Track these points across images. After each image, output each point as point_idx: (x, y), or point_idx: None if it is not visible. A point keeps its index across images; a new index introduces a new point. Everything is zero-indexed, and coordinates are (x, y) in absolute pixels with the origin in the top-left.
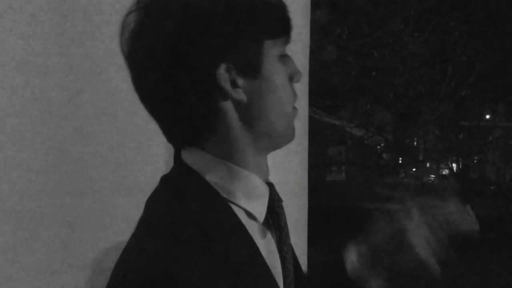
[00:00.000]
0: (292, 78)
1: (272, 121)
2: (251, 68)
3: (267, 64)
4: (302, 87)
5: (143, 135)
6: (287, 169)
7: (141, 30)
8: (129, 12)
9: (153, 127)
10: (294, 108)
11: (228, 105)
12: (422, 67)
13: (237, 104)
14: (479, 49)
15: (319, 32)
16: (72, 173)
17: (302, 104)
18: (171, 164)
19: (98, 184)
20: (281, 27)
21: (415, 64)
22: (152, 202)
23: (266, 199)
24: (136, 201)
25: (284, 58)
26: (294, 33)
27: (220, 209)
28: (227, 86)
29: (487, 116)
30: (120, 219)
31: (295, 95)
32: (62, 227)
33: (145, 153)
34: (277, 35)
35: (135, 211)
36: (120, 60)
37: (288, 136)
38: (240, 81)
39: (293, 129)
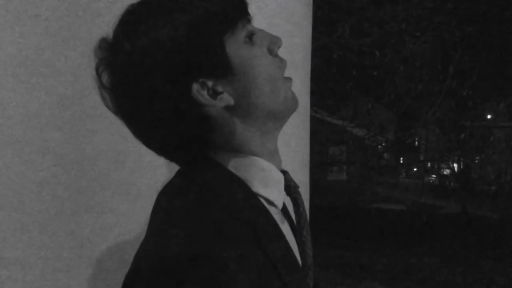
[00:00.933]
0: (271, 49)
1: (266, 101)
2: (222, 70)
3: (235, 57)
4: (303, 87)
5: None
6: (288, 168)
7: (116, 90)
8: (98, 67)
9: None
10: (286, 79)
11: (219, 112)
12: (423, 67)
13: (227, 107)
14: (481, 49)
15: (321, 31)
16: (72, 172)
17: (304, 103)
18: (172, 165)
19: (98, 184)
20: (233, 15)
21: (416, 64)
22: (173, 194)
23: (282, 186)
24: (136, 201)
25: (253, 36)
26: (295, 32)
27: (246, 194)
28: (207, 100)
29: (489, 116)
30: (119, 218)
31: (281, 62)
32: (61, 227)
33: (145, 154)
34: (232, 25)
35: (135, 211)
36: None
37: (289, 107)
38: (220, 86)
39: (292, 99)
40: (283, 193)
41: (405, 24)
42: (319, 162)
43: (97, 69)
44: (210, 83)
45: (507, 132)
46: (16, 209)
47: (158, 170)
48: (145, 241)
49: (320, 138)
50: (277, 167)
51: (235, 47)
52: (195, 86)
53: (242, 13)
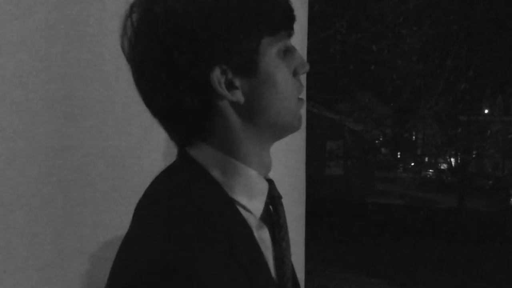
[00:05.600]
0: (296, 71)
1: (273, 116)
2: (248, 69)
3: (265, 62)
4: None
5: (142, 135)
6: (284, 164)
7: (138, 34)
8: (129, 14)
9: (153, 127)
10: (300, 99)
11: (226, 105)
12: (420, 61)
13: (235, 104)
14: (478, 43)
15: (318, 26)
16: (71, 172)
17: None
18: (171, 162)
19: (97, 183)
20: (280, 22)
21: (413, 58)
22: (154, 192)
23: (265, 197)
24: (133, 198)
25: (287, 52)
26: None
27: (223, 202)
28: (221, 89)
29: (486, 111)
30: (119, 217)
31: (300, 87)
32: (61, 226)
33: (144, 153)
34: (276, 31)
35: (132, 208)
36: (120, 60)
37: (293, 127)
38: (237, 82)
39: (299, 119)
40: (264, 203)
41: (403, 19)
42: (316, 156)
43: (128, 13)
44: (230, 74)
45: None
46: (14, 208)
47: (156, 167)
48: (120, 251)
49: (317, 132)
50: (265, 174)
51: (268, 53)
52: (217, 69)
53: (287, 25)
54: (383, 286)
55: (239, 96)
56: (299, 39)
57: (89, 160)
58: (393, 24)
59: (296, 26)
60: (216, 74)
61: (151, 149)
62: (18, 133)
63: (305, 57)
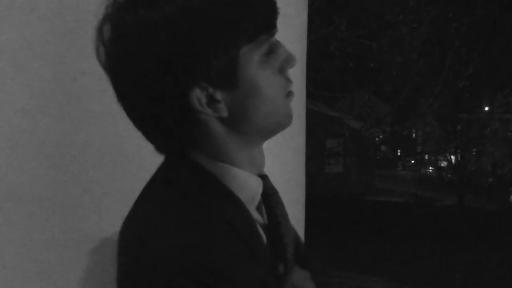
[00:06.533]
0: (282, 68)
1: (260, 122)
2: (228, 82)
3: (246, 71)
4: (299, 79)
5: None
6: (284, 161)
7: (111, 49)
8: (102, 23)
9: None
10: (289, 94)
11: (209, 119)
12: (420, 59)
13: (218, 118)
14: (478, 40)
15: (317, 23)
16: (71, 172)
17: (300, 96)
18: None
19: (96, 184)
20: (259, 27)
21: (413, 56)
22: (153, 201)
23: (258, 195)
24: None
25: (269, 52)
26: (291, 24)
27: (229, 200)
28: (202, 108)
29: (486, 108)
30: (119, 217)
31: (287, 82)
32: (60, 226)
33: (144, 154)
34: (255, 37)
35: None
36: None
37: (283, 124)
38: (219, 95)
39: (287, 116)
40: (257, 201)
41: (402, 16)
42: (316, 154)
43: (101, 22)
44: (211, 89)
45: (503, 124)
46: (14, 208)
47: (156, 164)
48: (133, 254)
49: (317, 130)
50: (258, 171)
51: (248, 61)
52: (196, 88)
53: (268, 27)
54: (382, 284)
55: (222, 110)
56: (298, 36)
57: (88, 161)
58: (393, 21)
59: (295, 23)
60: (196, 94)
61: (151, 150)
62: (16, 134)
63: (304, 55)
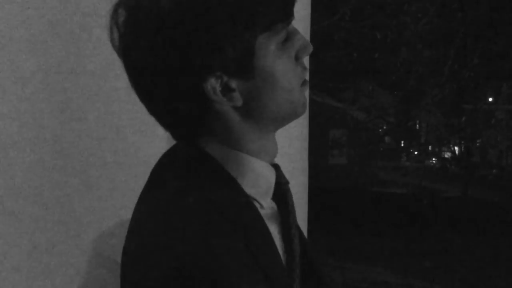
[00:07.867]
0: (298, 57)
1: (275, 111)
2: (244, 71)
3: (262, 60)
4: None
5: (142, 135)
6: (287, 152)
7: (126, 36)
8: (117, 7)
9: (152, 126)
10: (304, 83)
11: (224, 107)
12: (425, 49)
13: (233, 106)
14: (483, 30)
15: (321, 13)
16: (71, 172)
17: None
18: None
19: (97, 183)
20: (276, 15)
21: (418, 46)
22: (172, 187)
23: (272, 184)
24: (133, 190)
25: (286, 40)
26: (294, 14)
27: (238, 196)
28: (217, 97)
29: (490, 99)
30: (119, 217)
31: (303, 71)
32: (60, 226)
33: (144, 152)
34: (272, 25)
35: (134, 199)
36: (120, 60)
37: (298, 113)
38: (234, 84)
39: (303, 105)
40: (272, 191)
41: (407, 6)
42: (319, 145)
43: (116, 6)
44: (225, 78)
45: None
46: (14, 209)
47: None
48: (137, 247)
49: (321, 121)
50: (271, 160)
51: (265, 50)
52: (211, 78)
53: (285, 15)
54: (386, 274)
55: (236, 99)
56: (302, 26)
57: (89, 161)
58: (397, 11)
59: (299, 13)
60: (210, 83)
61: (151, 150)
62: (16, 137)
63: None
